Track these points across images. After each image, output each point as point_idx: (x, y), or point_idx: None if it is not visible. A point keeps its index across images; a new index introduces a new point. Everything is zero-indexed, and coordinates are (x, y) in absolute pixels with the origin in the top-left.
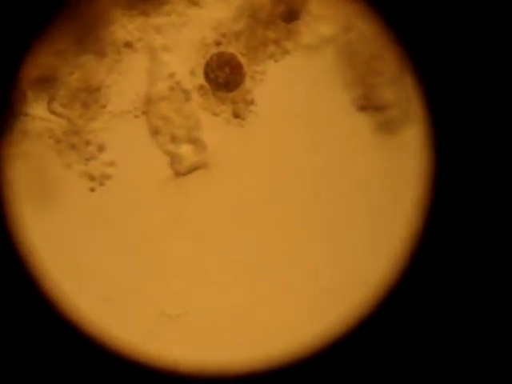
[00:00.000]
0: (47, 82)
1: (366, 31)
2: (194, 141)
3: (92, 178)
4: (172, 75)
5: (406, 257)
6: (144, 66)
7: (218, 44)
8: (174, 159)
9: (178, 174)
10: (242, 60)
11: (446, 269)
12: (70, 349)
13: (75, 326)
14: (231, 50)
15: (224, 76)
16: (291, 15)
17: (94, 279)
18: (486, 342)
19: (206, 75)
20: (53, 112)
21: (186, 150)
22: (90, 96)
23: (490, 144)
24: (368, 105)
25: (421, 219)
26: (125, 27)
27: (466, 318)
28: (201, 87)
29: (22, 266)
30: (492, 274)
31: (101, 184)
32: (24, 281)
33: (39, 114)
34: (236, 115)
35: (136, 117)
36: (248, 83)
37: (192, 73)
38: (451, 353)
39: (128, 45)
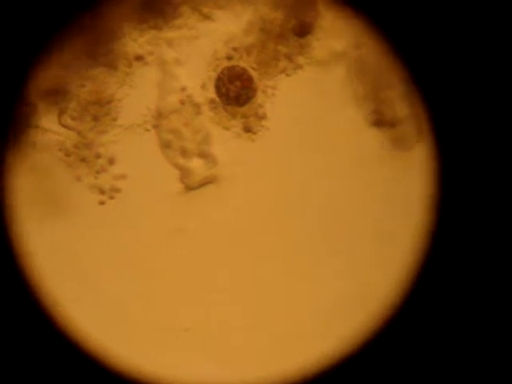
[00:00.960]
0: (58, 95)
1: (377, 46)
2: (205, 155)
3: (102, 191)
4: (183, 89)
5: (415, 269)
6: (155, 80)
7: (229, 58)
8: (184, 173)
9: (188, 188)
10: (254, 74)
11: (454, 281)
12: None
13: (73, 339)
14: (242, 64)
15: (235, 90)
16: (303, 30)
17: (96, 292)
18: (494, 355)
19: (217, 89)
20: (63, 125)
21: (196, 164)
22: (100, 109)
23: (496, 160)
24: (380, 120)
25: (430, 234)
26: (136, 41)
27: (475, 328)
28: (212, 101)
29: (21, 276)
30: (500, 288)
31: (110, 197)
32: (24, 292)
33: (49, 127)
34: (247, 129)
35: (146, 130)
36: (259, 98)
37: (203, 86)
38: (463, 366)
39: (139, 58)
